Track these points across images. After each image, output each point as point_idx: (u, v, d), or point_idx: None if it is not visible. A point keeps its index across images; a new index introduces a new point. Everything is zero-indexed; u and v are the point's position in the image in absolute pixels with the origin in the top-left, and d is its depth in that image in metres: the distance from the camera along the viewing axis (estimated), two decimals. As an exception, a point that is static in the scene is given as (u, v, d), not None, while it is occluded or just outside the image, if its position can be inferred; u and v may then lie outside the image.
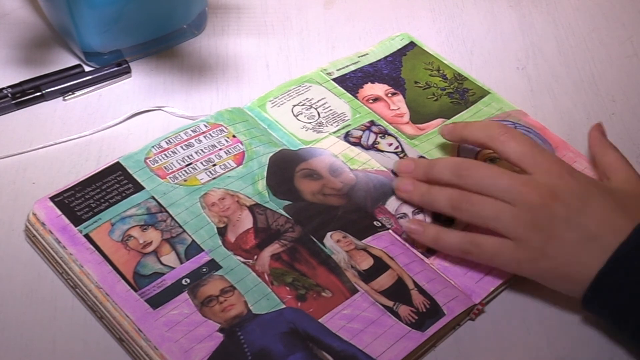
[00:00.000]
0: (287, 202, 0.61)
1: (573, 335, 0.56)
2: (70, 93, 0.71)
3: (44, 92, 0.70)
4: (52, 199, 0.59)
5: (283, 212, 0.60)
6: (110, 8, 0.68)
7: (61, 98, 0.71)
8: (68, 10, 0.68)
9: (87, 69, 0.73)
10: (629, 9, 0.84)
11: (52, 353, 0.53)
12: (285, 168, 0.64)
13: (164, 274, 0.56)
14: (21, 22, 0.78)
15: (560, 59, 0.78)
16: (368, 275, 0.57)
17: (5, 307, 0.56)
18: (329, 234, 0.59)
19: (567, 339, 0.55)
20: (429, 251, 0.60)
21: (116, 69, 0.72)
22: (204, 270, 0.56)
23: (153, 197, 0.60)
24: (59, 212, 0.58)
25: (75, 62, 0.73)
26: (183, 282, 0.55)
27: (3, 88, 0.70)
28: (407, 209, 0.62)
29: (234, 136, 0.65)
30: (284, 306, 0.55)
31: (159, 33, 0.73)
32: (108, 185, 0.61)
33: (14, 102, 0.69)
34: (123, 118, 0.69)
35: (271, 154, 0.64)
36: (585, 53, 0.79)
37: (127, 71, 0.73)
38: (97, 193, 0.60)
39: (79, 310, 0.56)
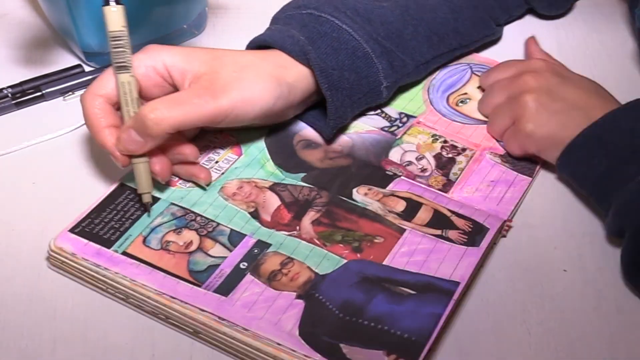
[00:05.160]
0: (302, 174, 0.62)
1: (573, 335, 0.55)
2: (70, 93, 0.71)
3: (44, 92, 0.70)
4: (71, 230, 0.57)
5: (303, 184, 0.62)
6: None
7: (61, 98, 0.71)
8: (68, 10, 0.68)
9: (87, 69, 0.73)
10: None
11: (52, 353, 0.52)
12: (284, 145, 0.65)
13: (219, 264, 0.55)
14: (21, 22, 0.78)
15: (560, 59, 0.75)
16: (408, 215, 0.59)
17: (5, 307, 0.55)
18: (354, 190, 0.61)
19: (567, 339, 0.55)
20: (445, 187, 0.63)
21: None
22: (256, 251, 0.56)
23: (173, 204, 0.60)
24: (85, 241, 0.56)
25: (75, 62, 0.73)
26: (241, 266, 0.55)
27: (3, 88, 0.70)
28: (411, 157, 0.65)
29: (220, 131, 0.66)
30: (345, 261, 0.56)
31: (159, 33, 0.73)
32: (123, 205, 0.59)
33: (14, 102, 0.69)
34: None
35: (264, 137, 0.65)
36: (585, 53, 0.79)
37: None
38: (115, 214, 0.59)
39: (79, 310, 0.55)
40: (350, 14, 0.66)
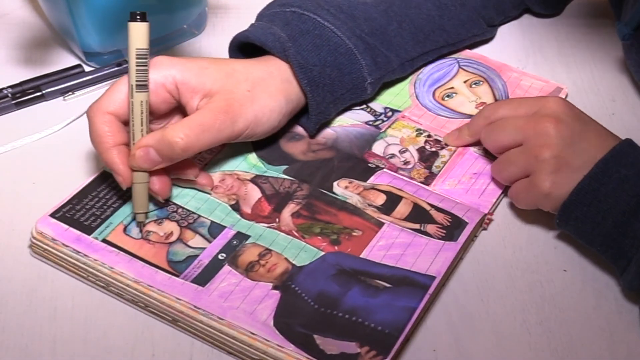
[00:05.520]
0: (284, 167, 0.63)
1: (573, 335, 0.55)
2: (70, 93, 0.71)
3: (44, 92, 0.70)
4: (52, 215, 0.58)
5: (285, 176, 0.62)
6: (110, 8, 0.68)
7: (61, 98, 0.71)
8: (68, 10, 0.69)
9: (87, 69, 0.73)
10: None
11: (52, 353, 0.53)
12: (268, 137, 0.65)
13: (197, 255, 0.56)
14: (21, 22, 0.79)
15: (561, 59, 0.78)
16: (387, 208, 0.60)
17: (5, 307, 0.55)
18: (335, 183, 0.62)
19: (567, 338, 0.55)
20: (427, 180, 0.63)
21: (116, 69, 0.72)
22: (235, 242, 0.57)
23: None
24: (66, 226, 0.57)
25: (75, 62, 0.74)
26: (219, 257, 0.56)
27: (3, 88, 0.70)
28: (394, 150, 0.66)
29: None
30: (323, 253, 0.56)
31: (159, 33, 0.73)
32: (105, 192, 0.60)
33: (14, 102, 0.70)
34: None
35: None
36: (585, 53, 0.78)
37: (127, 71, 0.72)
38: (97, 202, 0.59)
39: (79, 310, 0.55)
40: (334, 11, 0.66)
